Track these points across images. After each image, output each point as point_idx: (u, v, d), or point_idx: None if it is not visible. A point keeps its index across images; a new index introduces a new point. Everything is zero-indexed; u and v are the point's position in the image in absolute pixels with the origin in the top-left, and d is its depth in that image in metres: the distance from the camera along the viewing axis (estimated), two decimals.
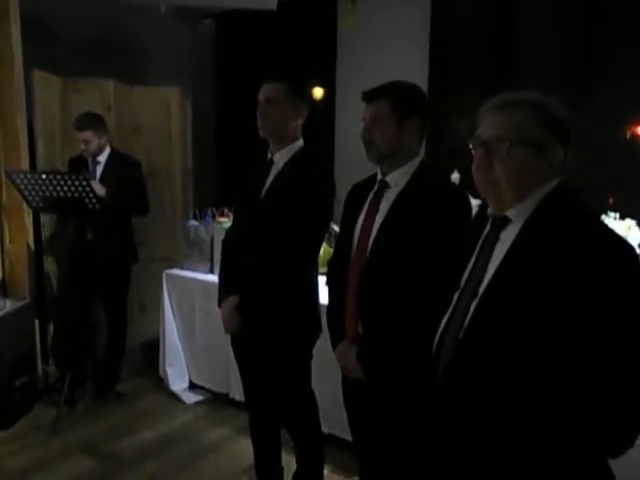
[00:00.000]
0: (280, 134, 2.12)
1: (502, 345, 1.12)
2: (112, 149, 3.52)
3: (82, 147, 3.36)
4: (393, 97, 1.75)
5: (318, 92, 4.32)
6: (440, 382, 1.23)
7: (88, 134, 3.32)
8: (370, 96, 1.79)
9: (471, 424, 1.18)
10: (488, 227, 1.27)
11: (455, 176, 3.09)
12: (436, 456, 1.28)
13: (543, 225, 1.15)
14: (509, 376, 1.11)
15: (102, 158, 3.45)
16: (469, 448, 1.20)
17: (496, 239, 1.23)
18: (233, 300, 2.14)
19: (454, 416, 1.21)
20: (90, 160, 3.42)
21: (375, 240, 1.74)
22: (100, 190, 3.18)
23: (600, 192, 2.95)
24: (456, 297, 1.28)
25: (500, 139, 1.18)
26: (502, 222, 1.23)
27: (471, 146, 1.24)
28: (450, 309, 1.28)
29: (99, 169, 3.44)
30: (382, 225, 1.75)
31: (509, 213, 1.21)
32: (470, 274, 1.26)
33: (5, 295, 3.51)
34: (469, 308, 1.20)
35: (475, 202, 1.80)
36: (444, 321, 1.28)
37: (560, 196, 1.19)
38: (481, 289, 1.20)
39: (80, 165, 3.43)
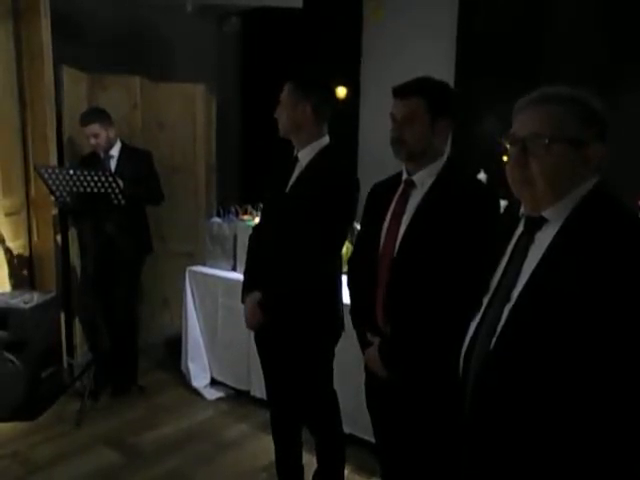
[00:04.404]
0: (293, 134, 2.13)
1: (539, 355, 1.07)
2: (123, 143, 3.54)
3: (92, 142, 3.38)
4: (427, 95, 1.70)
5: (342, 91, 4.31)
6: (469, 391, 1.19)
7: (95, 127, 3.34)
8: (402, 92, 1.73)
9: (503, 439, 1.14)
10: (521, 228, 1.22)
11: (481, 176, 3.05)
12: (460, 464, 1.25)
13: (584, 226, 1.10)
14: (547, 390, 1.07)
15: (114, 152, 3.48)
16: (500, 465, 1.16)
17: (530, 240, 1.18)
18: (256, 296, 2.15)
19: (484, 432, 1.17)
20: (103, 155, 3.45)
21: (403, 240, 1.72)
22: (120, 184, 3.21)
23: (628, 193, 2.87)
24: (486, 301, 1.23)
25: (538, 136, 1.13)
26: (537, 223, 1.18)
27: (507, 144, 1.19)
28: (479, 314, 1.23)
29: (113, 163, 3.46)
30: (410, 225, 1.72)
31: (545, 213, 1.16)
32: (502, 277, 1.21)
33: (33, 288, 3.59)
34: (501, 314, 1.16)
35: (503, 203, 1.77)
36: (473, 327, 1.24)
37: (600, 196, 1.14)
38: (515, 293, 1.15)
39: (93, 162, 3.46)
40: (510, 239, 1.24)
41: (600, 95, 1.18)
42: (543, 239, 1.15)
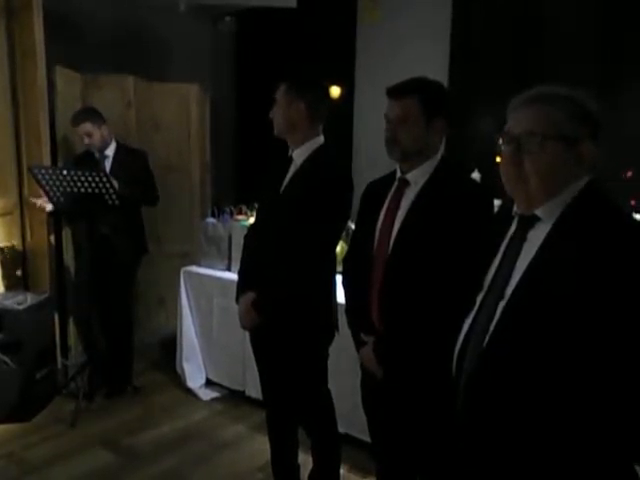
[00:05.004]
0: (288, 134, 2.14)
1: (532, 352, 1.08)
2: (118, 143, 3.53)
3: (86, 141, 3.36)
4: (422, 95, 1.71)
5: (336, 90, 4.31)
6: (462, 388, 1.20)
7: (87, 126, 3.33)
8: (397, 92, 1.73)
9: (496, 436, 1.15)
10: (514, 226, 1.23)
11: (475, 175, 3.07)
12: (455, 463, 1.26)
13: (576, 225, 1.11)
14: (539, 387, 1.07)
15: (110, 152, 3.46)
16: (493, 463, 1.17)
17: (523, 238, 1.19)
18: (250, 296, 2.15)
19: (477, 429, 1.18)
20: (98, 155, 3.43)
21: (397, 238, 1.73)
22: (115, 184, 3.20)
23: (621, 192, 2.89)
24: (480, 299, 1.24)
25: (532, 134, 1.14)
26: (530, 221, 1.19)
27: (500, 141, 1.20)
28: (473, 312, 1.24)
29: (108, 163, 3.45)
30: (403, 223, 1.73)
31: (538, 211, 1.17)
32: (495, 275, 1.22)
33: (26, 289, 3.57)
34: (495, 311, 1.17)
35: (497, 202, 1.78)
36: (467, 324, 1.24)
37: (593, 194, 1.15)
38: (508, 291, 1.16)
39: (88, 161, 3.43)
40: (504, 237, 1.25)
41: (600, 95, 1.19)
42: (536, 237, 1.16)
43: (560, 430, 1.07)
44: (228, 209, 3.64)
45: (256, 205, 2.77)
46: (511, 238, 1.23)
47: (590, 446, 1.05)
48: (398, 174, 1.81)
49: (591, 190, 1.15)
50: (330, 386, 2.29)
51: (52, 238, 3.64)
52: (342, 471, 2.41)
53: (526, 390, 1.09)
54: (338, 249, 2.33)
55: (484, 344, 1.16)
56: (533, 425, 1.09)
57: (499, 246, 1.25)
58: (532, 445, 1.10)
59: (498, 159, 1.25)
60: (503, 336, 1.14)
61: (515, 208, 1.24)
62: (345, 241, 2.93)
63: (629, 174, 2.78)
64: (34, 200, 3.29)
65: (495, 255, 1.25)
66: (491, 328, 1.16)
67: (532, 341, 1.08)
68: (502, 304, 1.16)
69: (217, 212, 3.66)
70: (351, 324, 1.94)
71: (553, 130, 1.13)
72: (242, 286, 2.24)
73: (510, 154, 1.18)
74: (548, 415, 1.07)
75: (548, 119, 1.14)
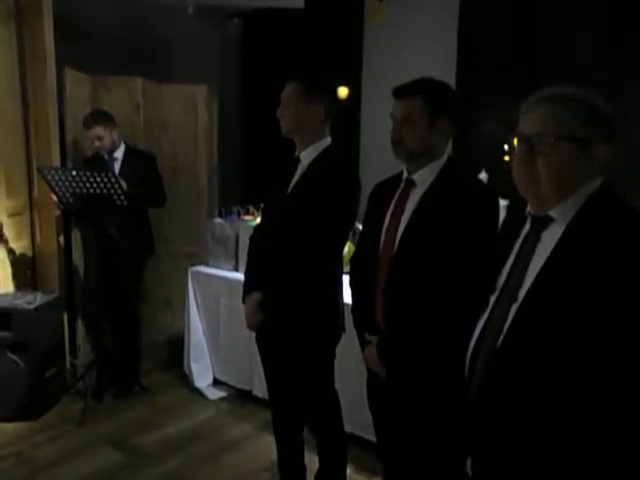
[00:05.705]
0: (298, 134, 2.13)
1: (546, 354, 1.07)
2: (127, 145, 3.55)
3: (96, 144, 3.39)
4: (427, 95, 1.71)
5: (343, 91, 4.31)
6: (475, 389, 1.20)
7: (99, 129, 3.35)
8: (402, 92, 1.74)
9: (509, 437, 1.14)
10: (527, 227, 1.22)
11: (483, 176, 3.05)
12: (461, 462, 1.25)
13: (590, 226, 1.11)
14: (554, 388, 1.07)
15: (119, 154, 3.49)
16: (506, 459, 1.17)
17: (537, 239, 1.18)
18: (256, 296, 2.15)
19: (490, 430, 1.18)
20: (107, 157, 3.46)
21: (402, 238, 1.73)
22: (123, 185, 3.22)
23: (629, 193, 2.87)
24: (493, 300, 1.23)
25: (544, 135, 1.14)
26: (544, 221, 1.18)
27: (514, 142, 1.19)
28: (486, 313, 1.23)
29: (116, 165, 3.47)
30: (409, 223, 1.73)
31: (552, 212, 1.16)
32: (508, 276, 1.21)
33: (35, 288, 3.60)
34: (508, 313, 1.16)
35: (503, 202, 1.78)
36: (480, 326, 1.24)
37: (607, 195, 1.14)
38: (521, 293, 1.15)
39: (97, 164, 3.46)
40: (516, 238, 1.24)
41: (599, 95, 1.18)
42: (549, 238, 1.15)
43: (576, 431, 1.06)
44: (235, 209, 3.65)
45: (262, 205, 2.78)
46: (524, 239, 1.22)
47: (604, 447, 1.04)
48: (405, 175, 1.81)
49: (605, 191, 1.14)
50: (336, 385, 2.29)
51: (61, 238, 3.67)
52: (348, 471, 2.41)
53: (540, 391, 1.09)
54: (345, 250, 2.33)
55: (497, 345, 1.16)
56: (547, 426, 1.09)
57: (511, 246, 1.24)
58: (547, 447, 1.09)
59: (506, 158, 1.24)
60: (517, 338, 1.13)
61: (528, 208, 1.23)
62: (352, 242, 2.93)
63: None
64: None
65: (507, 256, 1.24)
66: (505, 329, 1.15)
67: (546, 343, 1.07)
68: (515, 306, 1.15)
69: (224, 212, 3.67)
70: (356, 324, 1.94)
71: (565, 130, 1.13)
72: (248, 286, 2.25)
73: (522, 155, 1.17)
74: (563, 415, 1.07)
75: (560, 120, 1.14)
